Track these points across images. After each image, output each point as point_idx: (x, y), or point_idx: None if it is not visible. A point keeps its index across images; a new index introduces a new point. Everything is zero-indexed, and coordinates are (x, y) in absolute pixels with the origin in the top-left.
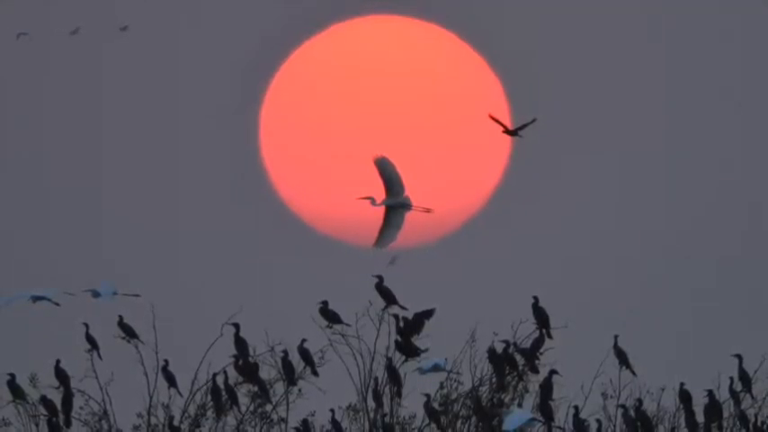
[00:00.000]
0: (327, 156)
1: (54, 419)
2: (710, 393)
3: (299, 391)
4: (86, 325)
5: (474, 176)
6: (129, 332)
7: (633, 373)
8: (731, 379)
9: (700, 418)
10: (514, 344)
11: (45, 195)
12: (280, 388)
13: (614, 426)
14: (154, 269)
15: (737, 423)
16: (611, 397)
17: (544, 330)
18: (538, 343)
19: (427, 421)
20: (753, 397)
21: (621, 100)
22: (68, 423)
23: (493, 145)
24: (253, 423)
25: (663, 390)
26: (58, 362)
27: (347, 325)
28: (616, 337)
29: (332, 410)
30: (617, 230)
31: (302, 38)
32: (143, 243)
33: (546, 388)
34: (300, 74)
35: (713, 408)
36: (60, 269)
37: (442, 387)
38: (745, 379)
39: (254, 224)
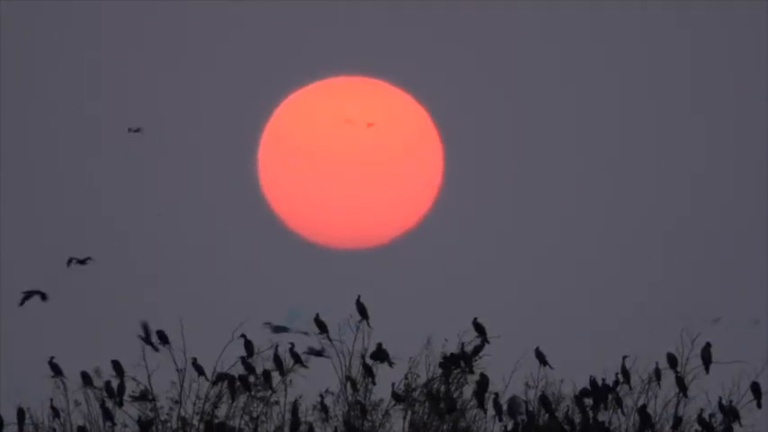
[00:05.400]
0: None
1: (107, 402)
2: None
3: (291, 381)
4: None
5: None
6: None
7: (551, 367)
8: (616, 374)
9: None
10: (462, 349)
11: (54, 225)
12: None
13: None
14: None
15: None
16: (531, 386)
17: (483, 338)
18: (478, 348)
19: (393, 403)
20: (630, 387)
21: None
22: (121, 404)
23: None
24: (256, 405)
25: (562, 381)
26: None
27: (330, 339)
28: (537, 347)
29: (320, 395)
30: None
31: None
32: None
33: (481, 383)
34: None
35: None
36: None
37: (405, 378)
38: (625, 374)
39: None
